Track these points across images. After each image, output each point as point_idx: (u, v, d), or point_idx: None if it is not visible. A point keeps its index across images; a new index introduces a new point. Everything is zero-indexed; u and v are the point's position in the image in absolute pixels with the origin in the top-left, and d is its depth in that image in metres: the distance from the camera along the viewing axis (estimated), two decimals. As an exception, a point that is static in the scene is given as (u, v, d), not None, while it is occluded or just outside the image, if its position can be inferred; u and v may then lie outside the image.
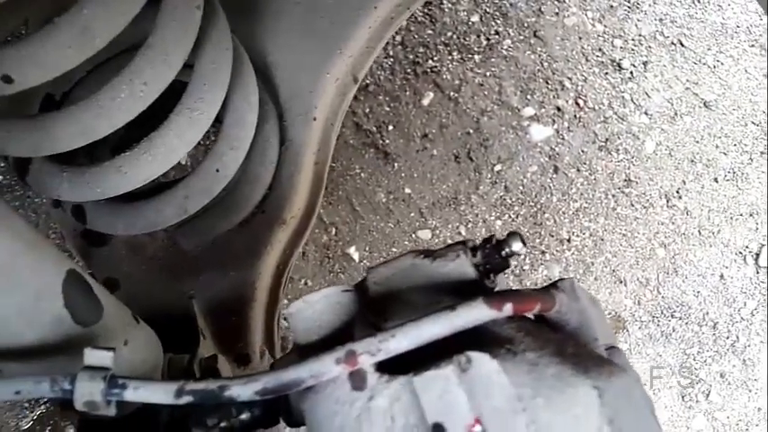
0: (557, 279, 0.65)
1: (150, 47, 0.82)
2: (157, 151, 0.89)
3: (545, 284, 0.66)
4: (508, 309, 0.55)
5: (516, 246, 0.61)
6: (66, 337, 0.71)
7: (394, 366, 0.55)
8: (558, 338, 0.58)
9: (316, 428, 0.56)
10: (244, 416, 0.68)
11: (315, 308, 0.60)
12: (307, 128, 1.13)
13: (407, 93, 2.11)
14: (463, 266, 0.61)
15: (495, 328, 0.57)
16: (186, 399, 0.59)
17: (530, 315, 0.63)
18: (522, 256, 1.98)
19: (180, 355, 0.95)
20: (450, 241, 2.06)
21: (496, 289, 0.64)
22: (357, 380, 0.54)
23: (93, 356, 0.62)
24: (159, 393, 0.60)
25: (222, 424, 0.68)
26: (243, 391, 0.56)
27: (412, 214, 2.01)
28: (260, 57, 1.14)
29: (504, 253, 0.61)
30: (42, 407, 1.81)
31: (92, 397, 0.61)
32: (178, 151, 0.91)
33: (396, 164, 2.05)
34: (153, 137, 0.90)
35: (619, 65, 2.14)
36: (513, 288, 0.63)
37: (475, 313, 0.54)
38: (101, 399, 0.61)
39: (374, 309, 0.62)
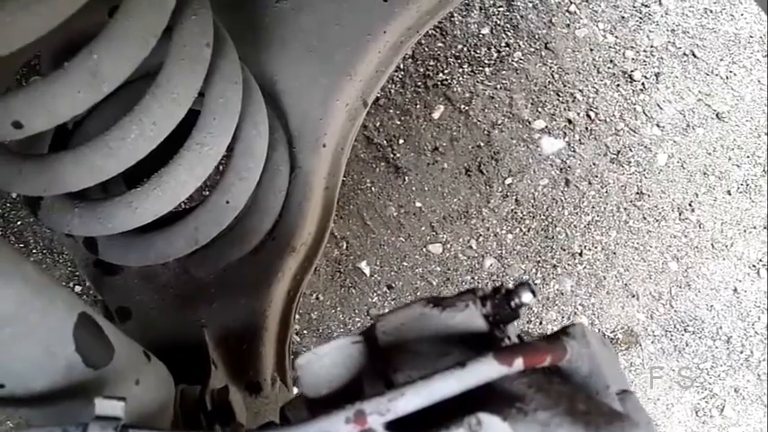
0: (567, 325, 0.65)
1: (159, 86, 0.82)
2: (167, 187, 0.90)
3: (555, 331, 0.66)
4: (519, 364, 0.55)
5: (526, 297, 0.61)
6: (78, 382, 0.71)
7: (401, 425, 0.55)
8: (568, 393, 0.58)
9: (325, 487, 0.56)
10: (254, 462, 0.68)
11: (324, 361, 0.59)
12: (316, 155, 1.13)
13: (418, 106, 2.11)
14: (472, 317, 0.61)
15: (506, 384, 0.56)
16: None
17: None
18: (538, 265, 1.98)
19: (192, 387, 0.95)
20: (461, 255, 2.06)
21: (507, 338, 0.63)
22: (367, 438, 0.54)
23: (104, 406, 0.62)
24: (170, 446, 0.60)
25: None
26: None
27: (423, 228, 2.00)
28: (269, 84, 1.14)
29: (513, 304, 0.61)
30: None
31: (103, 448, 0.61)
32: (188, 186, 0.91)
33: (406, 177, 2.04)
34: (163, 173, 0.91)
35: (630, 76, 2.13)
36: (525, 339, 0.63)
37: (485, 370, 0.54)
38: (112, 449, 0.61)
39: (383, 358, 0.62)
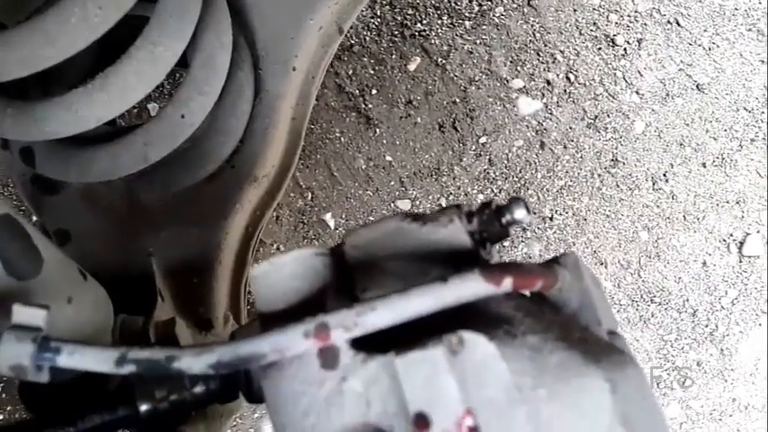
0: (560, 254, 0.58)
1: (110, -34, 0.72)
2: (113, 89, 0.79)
3: (546, 259, 0.58)
4: (508, 284, 0.47)
5: (519, 213, 0.53)
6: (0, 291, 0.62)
7: (371, 344, 0.48)
8: (561, 321, 0.51)
9: (277, 410, 0.48)
10: (197, 389, 0.60)
11: (283, 272, 0.51)
12: (285, 78, 1.03)
13: (393, 56, 2.02)
14: (457, 233, 0.53)
15: (492, 306, 0.49)
16: (129, 368, 0.50)
17: (527, 293, 0.55)
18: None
19: (134, 317, 0.86)
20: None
21: (492, 261, 0.56)
22: (328, 357, 0.46)
23: (22, 314, 0.54)
24: (98, 360, 0.51)
25: (172, 397, 0.60)
26: (194, 363, 0.48)
27: (392, 183, 1.93)
28: (236, -4, 1.04)
29: (504, 221, 0.53)
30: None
31: (19, 360, 0.53)
32: (136, 91, 0.81)
33: (377, 130, 1.96)
34: (109, 72, 0.80)
35: (613, 41, 2.07)
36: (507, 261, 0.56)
37: (470, 287, 0.46)
38: (29, 363, 0.53)
39: (351, 277, 0.54)
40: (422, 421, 0.42)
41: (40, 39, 0.70)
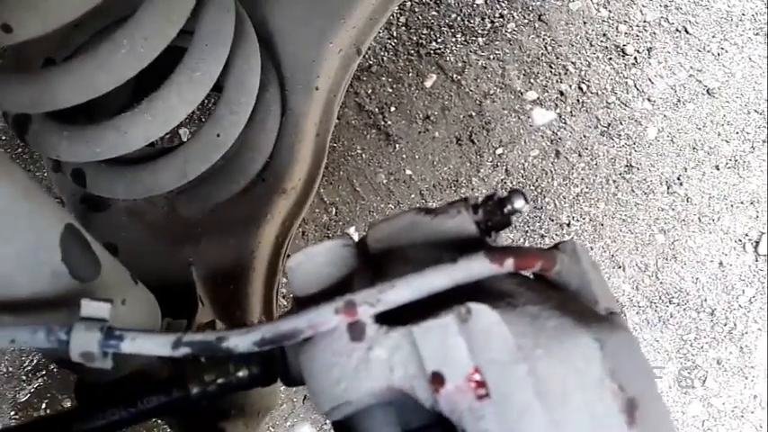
0: (559, 241, 0.65)
1: (152, 3, 0.81)
2: (157, 112, 0.88)
3: (548, 246, 0.66)
4: (509, 264, 0.54)
5: (519, 203, 0.60)
6: (63, 292, 0.70)
7: (392, 320, 0.55)
8: (559, 296, 0.58)
9: (314, 378, 0.56)
10: (241, 373, 0.68)
11: (315, 260, 0.59)
12: (308, 97, 1.12)
13: (410, 74, 2.10)
14: (464, 223, 0.61)
15: (496, 283, 0.56)
16: (184, 350, 0.58)
17: (529, 274, 0.62)
18: (527, 234, 1.98)
19: (178, 321, 0.95)
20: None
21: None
22: (356, 331, 0.54)
23: (89, 308, 0.62)
24: (156, 344, 0.59)
25: (219, 380, 0.67)
26: (241, 341, 0.56)
27: (413, 196, 2.00)
28: (262, 23, 1.13)
29: (506, 210, 0.61)
30: (40, 379, 1.81)
31: (88, 348, 0.60)
32: (178, 112, 0.90)
33: (397, 145, 2.04)
34: (153, 97, 0.89)
35: (623, 50, 2.13)
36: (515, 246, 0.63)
37: (476, 267, 0.54)
38: (97, 350, 0.60)
39: (374, 264, 0.61)
40: (438, 379, 0.49)
41: (94, 68, 0.79)
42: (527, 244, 1.96)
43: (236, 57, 0.99)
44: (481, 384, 0.48)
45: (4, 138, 1.94)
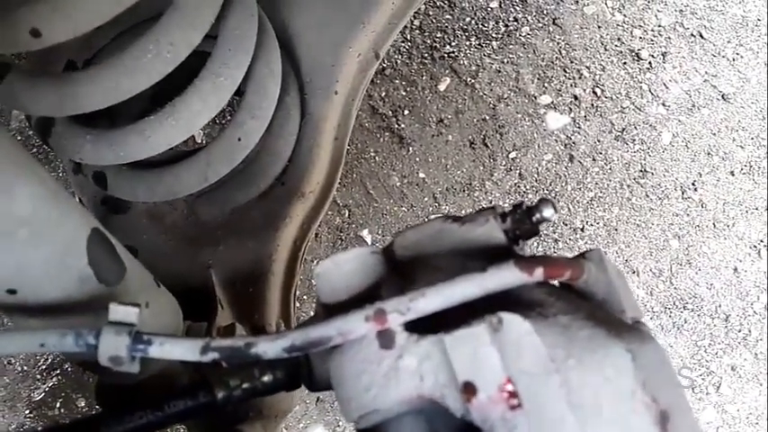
0: (585, 250, 0.65)
1: (177, 8, 0.81)
2: (181, 116, 0.89)
3: (573, 256, 0.65)
4: (539, 273, 0.54)
5: (548, 212, 0.60)
6: (89, 296, 0.71)
7: (419, 329, 0.55)
8: (588, 306, 0.58)
9: (342, 386, 0.56)
10: (266, 378, 0.68)
11: (343, 268, 0.59)
12: (328, 102, 1.12)
13: (424, 78, 2.10)
14: (492, 231, 0.61)
15: (525, 293, 0.56)
16: (212, 355, 0.58)
17: (556, 283, 0.62)
18: (540, 239, 1.98)
19: (198, 324, 0.95)
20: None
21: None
22: (385, 339, 0.54)
23: (118, 312, 0.62)
24: (184, 349, 0.59)
25: (245, 385, 0.67)
26: (270, 348, 0.56)
27: (426, 199, 2.00)
28: (282, 28, 1.14)
29: (534, 219, 0.61)
30: (54, 378, 1.82)
31: (117, 352, 0.61)
32: (201, 117, 0.90)
33: (410, 148, 2.04)
34: (177, 102, 0.90)
35: (637, 55, 2.12)
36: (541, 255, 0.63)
37: (506, 276, 0.54)
38: (125, 354, 0.61)
39: (401, 272, 0.62)
40: (469, 388, 0.49)
41: (120, 73, 0.80)
42: (540, 249, 1.96)
43: (257, 62, 1.00)
44: (514, 395, 0.48)
45: (19, 138, 1.95)
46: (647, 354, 0.51)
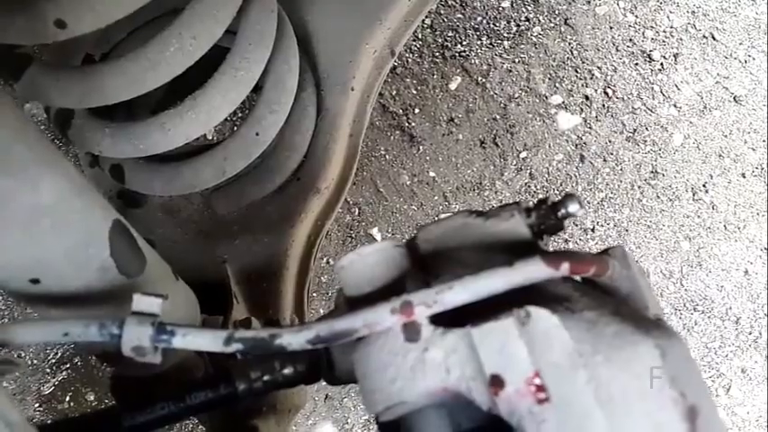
0: (609, 246, 0.65)
1: (200, 2, 0.81)
2: (201, 109, 0.89)
3: (597, 252, 0.65)
4: (565, 268, 0.54)
5: (573, 207, 0.60)
6: (111, 287, 0.71)
7: (443, 323, 0.55)
8: (613, 301, 0.58)
9: (367, 378, 0.56)
10: (287, 370, 0.68)
11: (367, 261, 0.59)
12: (344, 98, 1.12)
13: (435, 76, 2.10)
14: (517, 226, 0.61)
15: (551, 287, 0.56)
16: (236, 346, 0.58)
17: (579, 279, 0.62)
18: (551, 238, 1.98)
19: (214, 317, 0.95)
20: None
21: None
22: (411, 331, 0.54)
23: (141, 302, 0.62)
24: (208, 340, 0.59)
25: (266, 378, 0.68)
26: (294, 339, 0.56)
27: (436, 198, 2.00)
28: (300, 24, 1.14)
29: (559, 214, 0.60)
30: (64, 372, 1.82)
31: (140, 342, 0.61)
32: (221, 110, 0.90)
33: (421, 147, 2.04)
34: (197, 95, 0.90)
35: (649, 56, 2.12)
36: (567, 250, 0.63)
37: (533, 270, 0.53)
38: (149, 344, 0.61)
39: (425, 265, 0.61)
40: (497, 381, 0.49)
41: (144, 66, 0.80)
42: (550, 248, 1.95)
43: (276, 57, 1.00)
44: (541, 388, 0.48)
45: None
46: (675, 350, 0.51)
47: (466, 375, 0.51)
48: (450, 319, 0.55)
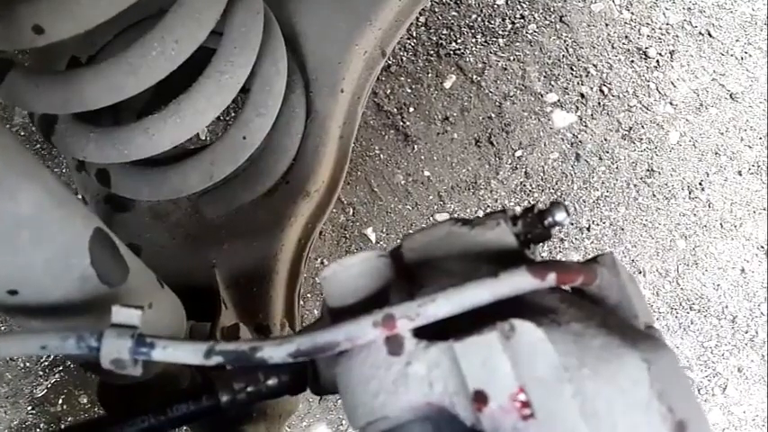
0: (598, 254, 0.63)
1: (182, 5, 0.80)
2: (185, 114, 0.88)
3: (586, 259, 0.64)
4: (551, 279, 0.53)
5: (560, 216, 0.59)
6: (92, 297, 0.70)
7: (428, 334, 0.54)
8: (601, 312, 0.57)
9: (349, 392, 0.54)
10: (271, 381, 0.67)
11: (350, 271, 0.58)
12: (333, 100, 1.11)
13: (429, 75, 2.09)
14: (503, 235, 0.59)
15: (537, 299, 0.55)
16: (216, 359, 0.57)
17: (568, 288, 0.61)
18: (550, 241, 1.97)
19: (202, 324, 0.94)
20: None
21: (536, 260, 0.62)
22: (394, 345, 0.53)
23: (120, 314, 0.61)
24: (188, 353, 0.58)
25: (249, 389, 0.66)
26: (276, 352, 0.55)
27: (430, 197, 1.99)
28: (288, 26, 1.12)
29: (546, 223, 0.59)
30: (57, 375, 1.81)
31: (119, 355, 0.60)
32: (206, 115, 0.89)
33: (415, 146, 2.02)
34: (181, 99, 0.89)
35: (645, 53, 2.10)
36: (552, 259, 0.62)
37: (518, 281, 0.52)
38: (128, 357, 0.60)
39: (409, 275, 0.60)
40: (480, 397, 0.48)
41: (125, 70, 0.78)
42: (546, 248, 1.94)
43: (263, 59, 0.99)
44: (526, 404, 0.47)
45: (23, 134, 1.94)
46: (662, 363, 0.50)
47: (449, 390, 0.50)
48: (435, 331, 0.54)
